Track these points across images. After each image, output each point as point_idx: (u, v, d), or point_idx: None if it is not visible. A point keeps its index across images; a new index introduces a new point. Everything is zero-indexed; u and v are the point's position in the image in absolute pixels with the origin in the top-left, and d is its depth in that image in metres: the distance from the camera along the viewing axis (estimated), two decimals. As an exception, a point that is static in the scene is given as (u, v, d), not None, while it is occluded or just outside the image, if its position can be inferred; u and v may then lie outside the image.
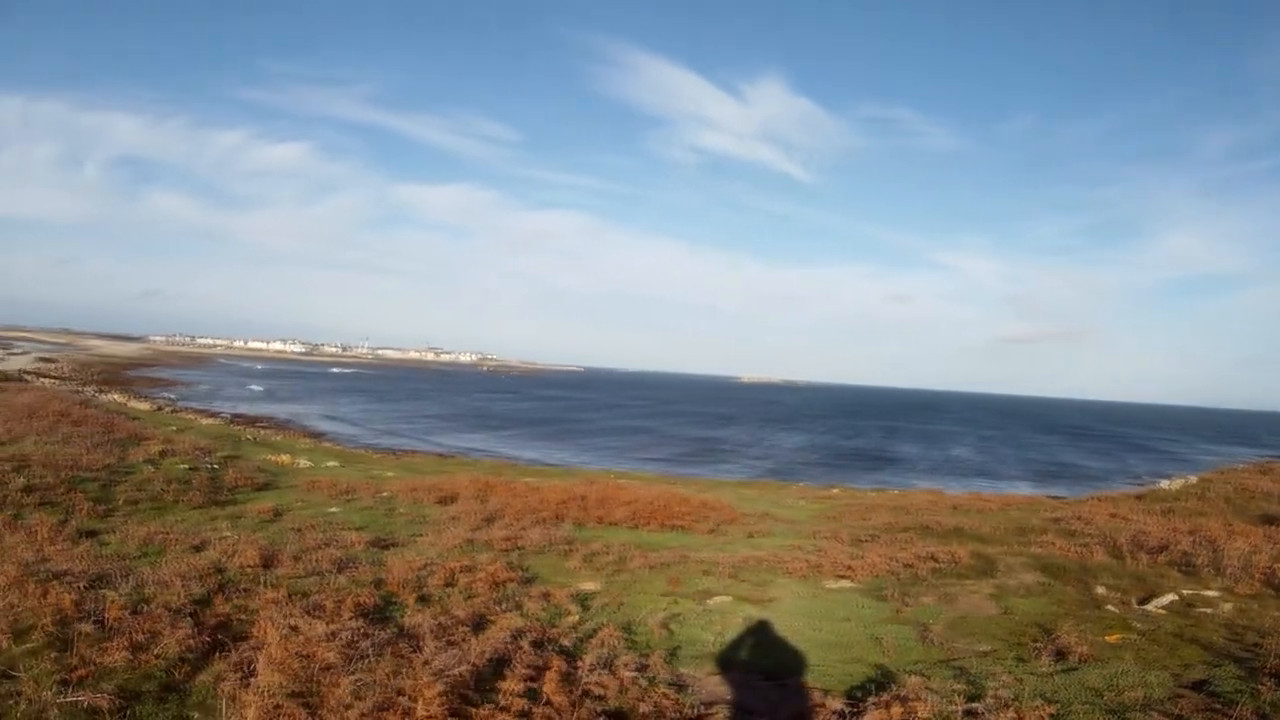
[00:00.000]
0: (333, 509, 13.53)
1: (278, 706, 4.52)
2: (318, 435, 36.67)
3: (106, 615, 5.78)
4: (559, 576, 9.28)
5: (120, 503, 12.18)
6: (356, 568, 8.55)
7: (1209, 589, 8.93)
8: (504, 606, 7.49)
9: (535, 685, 5.27)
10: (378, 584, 7.86)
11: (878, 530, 13.61)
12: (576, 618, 7.54)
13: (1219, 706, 5.24)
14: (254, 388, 74.65)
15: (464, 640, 5.96)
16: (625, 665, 5.86)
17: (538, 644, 6.25)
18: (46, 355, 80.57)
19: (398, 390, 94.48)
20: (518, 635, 6.33)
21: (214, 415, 38.87)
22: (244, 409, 48.68)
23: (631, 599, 8.43)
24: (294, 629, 5.76)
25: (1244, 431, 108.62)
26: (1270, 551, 10.21)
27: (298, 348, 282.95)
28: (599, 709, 5.09)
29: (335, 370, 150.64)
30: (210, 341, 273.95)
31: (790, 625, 7.61)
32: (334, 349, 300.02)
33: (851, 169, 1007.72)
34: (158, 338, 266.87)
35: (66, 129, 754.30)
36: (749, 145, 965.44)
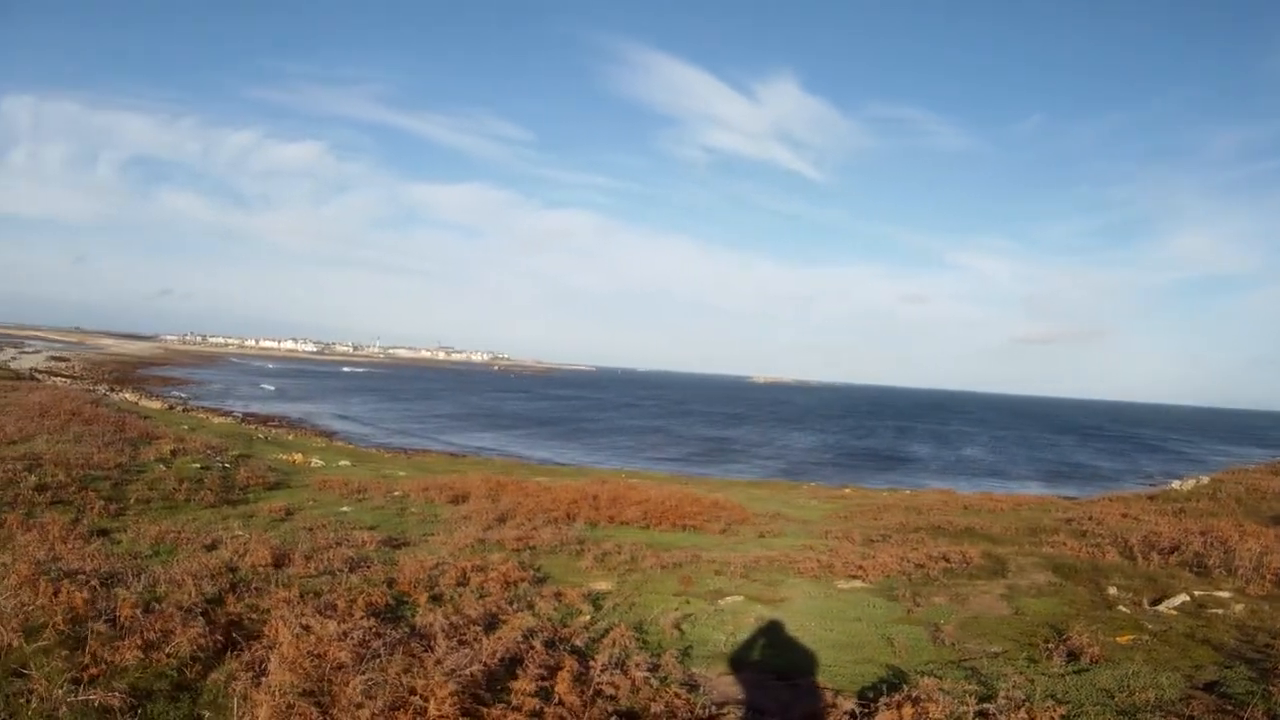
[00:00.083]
0: (345, 508, 13.59)
1: (290, 705, 4.52)
2: (330, 434, 36.89)
3: (119, 614, 5.77)
4: (571, 576, 9.28)
5: (132, 501, 12.25)
6: (368, 567, 8.56)
7: (1221, 590, 8.84)
8: (516, 606, 7.49)
9: (547, 685, 5.25)
10: (390, 583, 7.87)
11: (889, 530, 13.55)
12: (589, 617, 7.53)
13: (1231, 708, 5.20)
14: (266, 387, 75.20)
15: (476, 640, 5.94)
16: (638, 665, 5.84)
17: (550, 644, 6.24)
18: (58, 354, 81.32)
19: (409, 389, 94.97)
20: (530, 635, 6.32)
21: (226, 414, 39.18)
22: (256, 408, 49.12)
23: (644, 599, 8.42)
24: (306, 628, 5.75)
25: (1255, 432, 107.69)
26: (1284, 552, 10.10)
27: (310, 347, 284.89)
28: (611, 709, 5.08)
29: (347, 369, 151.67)
30: (222, 340, 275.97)
31: (802, 625, 7.58)
32: (346, 348, 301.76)
33: (863, 169, 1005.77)
34: (170, 337, 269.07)
35: (79, 129, 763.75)
36: (761, 144, 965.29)
